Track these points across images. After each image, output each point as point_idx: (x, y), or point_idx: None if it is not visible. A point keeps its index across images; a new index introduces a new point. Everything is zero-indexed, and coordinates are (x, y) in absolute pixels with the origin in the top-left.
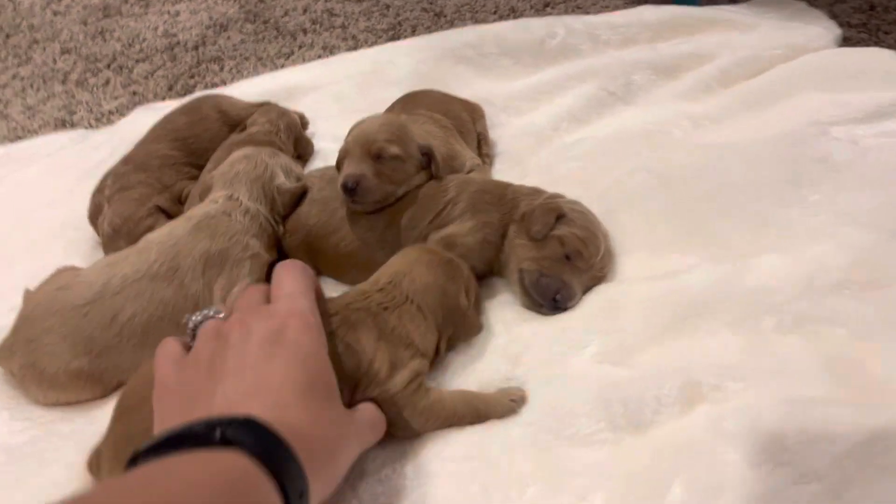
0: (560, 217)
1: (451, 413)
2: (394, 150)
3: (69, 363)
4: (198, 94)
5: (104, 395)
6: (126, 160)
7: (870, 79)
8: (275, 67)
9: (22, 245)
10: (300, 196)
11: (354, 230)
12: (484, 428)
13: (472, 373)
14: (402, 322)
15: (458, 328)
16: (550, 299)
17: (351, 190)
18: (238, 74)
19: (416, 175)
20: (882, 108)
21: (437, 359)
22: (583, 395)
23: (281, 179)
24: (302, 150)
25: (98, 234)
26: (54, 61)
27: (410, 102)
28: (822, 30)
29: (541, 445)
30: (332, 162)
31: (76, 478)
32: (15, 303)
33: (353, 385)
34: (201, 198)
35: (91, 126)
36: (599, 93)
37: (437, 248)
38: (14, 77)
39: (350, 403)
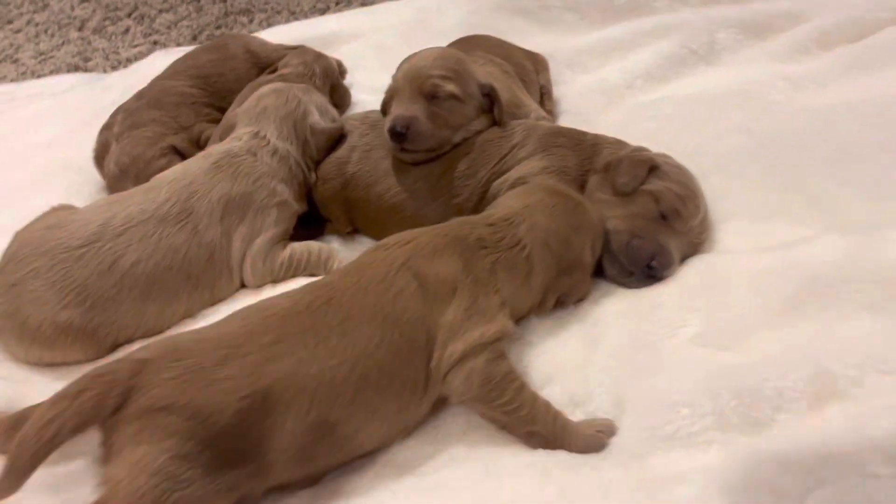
0: (653, 169)
1: (525, 412)
2: (450, 87)
3: (57, 314)
4: None
5: (98, 356)
6: (139, 96)
7: None
8: (307, 24)
9: (17, 186)
10: (337, 139)
11: (402, 180)
12: None
13: (541, 355)
14: (496, 270)
15: (571, 288)
16: (644, 266)
17: (400, 135)
18: (268, 29)
19: (476, 119)
20: None
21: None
22: (682, 384)
23: (315, 118)
24: (338, 99)
25: (102, 177)
26: (72, 8)
27: (465, 44)
28: None
29: (631, 448)
30: None
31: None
32: (6, 242)
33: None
34: (223, 137)
35: (106, 72)
36: (680, 50)
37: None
38: (28, 23)
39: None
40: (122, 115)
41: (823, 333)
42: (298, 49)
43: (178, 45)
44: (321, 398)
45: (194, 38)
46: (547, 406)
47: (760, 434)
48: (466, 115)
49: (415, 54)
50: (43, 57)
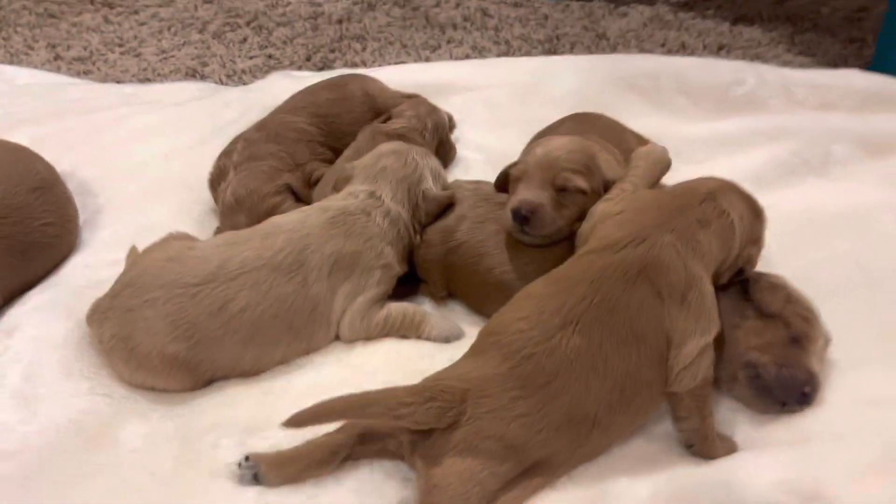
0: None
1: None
2: (580, 182)
3: (165, 346)
4: (338, 70)
5: (193, 387)
6: (259, 126)
7: None
8: (419, 58)
9: (131, 196)
10: (446, 207)
11: (513, 258)
12: None
13: None
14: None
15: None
16: (799, 394)
17: (523, 218)
18: (380, 58)
19: None
20: None
21: None
22: None
23: (429, 184)
24: (444, 154)
25: (215, 200)
26: (195, 8)
27: (581, 124)
28: None
29: None
30: (473, 173)
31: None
32: (117, 256)
33: None
34: (337, 187)
35: (222, 82)
36: (791, 158)
37: None
38: (153, 17)
39: None
40: (242, 144)
41: None
42: (414, 100)
43: (292, 62)
44: (600, 419)
45: (308, 59)
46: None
47: None
48: (588, 207)
49: (548, 141)
50: (164, 55)
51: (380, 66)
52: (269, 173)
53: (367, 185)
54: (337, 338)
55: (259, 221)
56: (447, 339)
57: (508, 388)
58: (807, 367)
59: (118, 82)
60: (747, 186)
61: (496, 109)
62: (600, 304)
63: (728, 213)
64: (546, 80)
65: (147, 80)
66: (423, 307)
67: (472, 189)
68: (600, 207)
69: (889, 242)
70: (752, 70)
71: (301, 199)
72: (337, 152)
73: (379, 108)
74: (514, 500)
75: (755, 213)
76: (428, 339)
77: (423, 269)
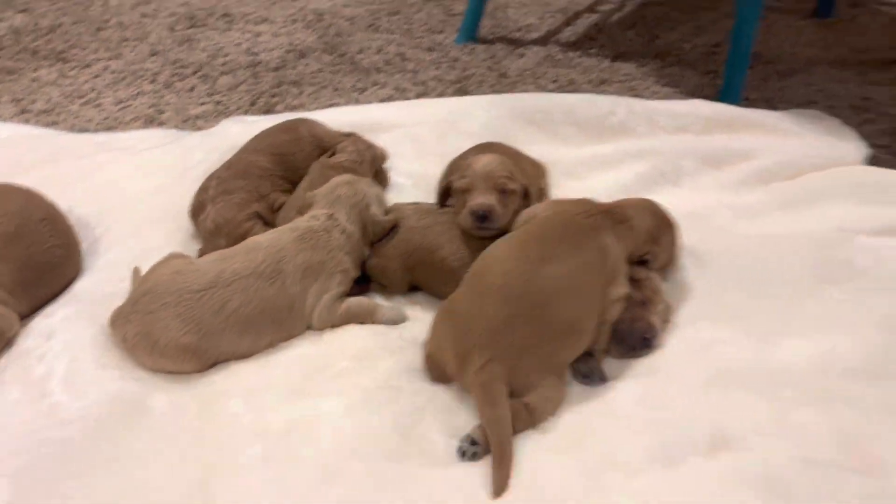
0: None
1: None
2: (513, 185)
3: (179, 338)
4: (282, 114)
5: (201, 368)
6: (228, 166)
7: (893, 196)
8: (350, 100)
9: (128, 227)
10: (389, 230)
11: (462, 249)
12: None
13: None
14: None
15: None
16: (642, 339)
17: (483, 217)
18: (316, 100)
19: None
20: None
21: None
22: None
23: (374, 208)
24: (381, 181)
25: (196, 228)
26: (143, 60)
27: (485, 150)
28: (854, 147)
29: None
30: (405, 194)
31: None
32: (123, 274)
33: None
34: (301, 212)
35: (178, 127)
36: (652, 172)
37: None
38: (105, 69)
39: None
40: (215, 182)
41: (726, 404)
42: (352, 137)
43: (239, 107)
44: (584, 328)
45: (252, 104)
46: None
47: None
48: (517, 203)
49: (478, 158)
50: (122, 105)
51: (316, 108)
52: (240, 204)
53: (326, 210)
54: (309, 327)
55: (235, 243)
56: (394, 322)
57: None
58: (648, 320)
59: (84, 131)
60: (618, 195)
61: (420, 143)
62: (568, 242)
63: (631, 222)
64: (460, 118)
65: (111, 128)
66: (374, 299)
67: (414, 207)
68: (528, 210)
69: (718, 235)
70: (623, 103)
71: (268, 222)
72: (293, 183)
73: (325, 146)
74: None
75: (662, 224)
76: (380, 323)
77: (383, 275)
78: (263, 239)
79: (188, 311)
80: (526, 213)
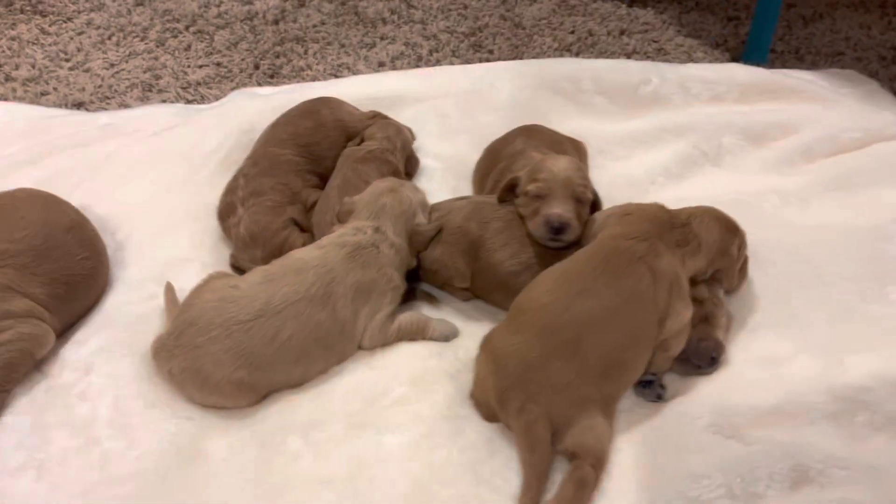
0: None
1: None
2: (588, 194)
3: (232, 374)
4: (287, 77)
5: (255, 402)
6: (254, 162)
7: None
8: (358, 57)
9: (148, 232)
10: (432, 238)
11: (518, 255)
12: None
13: None
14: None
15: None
16: (709, 359)
17: (559, 229)
18: (322, 60)
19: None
20: None
21: None
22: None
23: (420, 217)
24: (411, 167)
25: (224, 232)
26: (129, 12)
27: (532, 138)
28: (893, 117)
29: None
30: (436, 178)
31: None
32: (152, 291)
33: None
34: (341, 219)
35: (179, 95)
36: (693, 151)
37: None
38: (88, 24)
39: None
40: (243, 181)
41: (800, 433)
42: (381, 121)
43: (242, 70)
44: (627, 361)
45: (256, 67)
46: None
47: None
48: (587, 213)
49: (556, 161)
50: (114, 69)
51: (324, 69)
52: (274, 208)
53: (372, 221)
54: (359, 347)
55: (272, 253)
56: (447, 339)
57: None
58: (714, 338)
59: (79, 104)
60: (662, 181)
61: (445, 119)
62: (610, 272)
63: (697, 240)
64: (484, 89)
65: (106, 98)
66: (422, 312)
67: (466, 201)
68: (604, 212)
69: (766, 224)
70: (655, 70)
71: (304, 228)
72: (319, 176)
73: (350, 131)
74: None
75: (729, 232)
76: (431, 339)
77: (446, 267)
78: (309, 256)
79: (239, 345)
80: (600, 220)
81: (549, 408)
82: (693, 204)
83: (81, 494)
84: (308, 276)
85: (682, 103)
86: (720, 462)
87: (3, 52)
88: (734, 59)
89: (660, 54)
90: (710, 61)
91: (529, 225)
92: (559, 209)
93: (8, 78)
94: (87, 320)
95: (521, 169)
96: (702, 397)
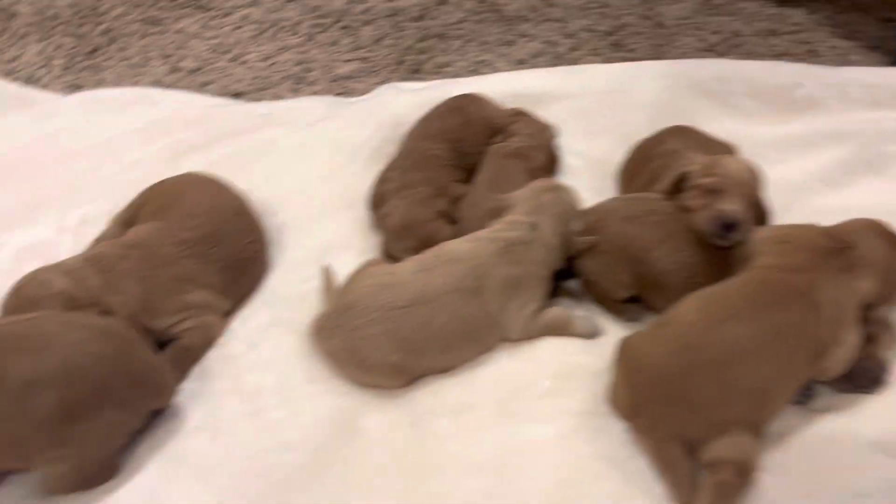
0: None
1: None
2: (761, 197)
3: (388, 356)
4: (431, 73)
5: (406, 384)
6: (406, 155)
7: None
8: (498, 55)
9: (304, 218)
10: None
11: (690, 252)
12: None
13: None
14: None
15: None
16: (874, 380)
17: (729, 226)
18: (463, 57)
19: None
20: None
21: None
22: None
23: (576, 224)
24: (552, 165)
25: (376, 220)
26: (281, 8)
27: (686, 138)
28: None
29: None
30: (577, 176)
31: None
32: (309, 274)
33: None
34: (494, 215)
35: (327, 88)
36: (852, 158)
37: None
38: (244, 19)
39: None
40: (396, 173)
41: None
42: (524, 119)
43: (386, 65)
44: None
45: (400, 63)
46: None
47: None
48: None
49: (735, 160)
50: (268, 61)
51: (465, 66)
52: (424, 201)
53: (529, 218)
54: (503, 339)
55: (423, 243)
56: (589, 336)
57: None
58: (878, 358)
59: (237, 94)
60: (818, 187)
61: (587, 118)
62: (763, 304)
63: (866, 261)
64: (628, 87)
65: (261, 89)
66: (569, 310)
67: (619, 201)
68: (758, 235)
69: None
70: (810, 73)
71: (452, 220)
72: (465, 170)
73: (494, 128)
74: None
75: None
76: (574, 335)
77: (603, 274)
78: (461, 249)
79: (394, 329)
80: (753, 243)
81: (682, 428)
82: (853, 214)
83: (252, 458)
84: (460, 268)
85: (839, 108)
86: (885, 483)
87: (171, 44)
88: (893, 63)
89: (811, 56)
90: (867, 65)
91: (697, 219)
92: (734, 206)
93: (175, 69)
94: (251, 298)
95: (678, 169)
96: (866, 415)
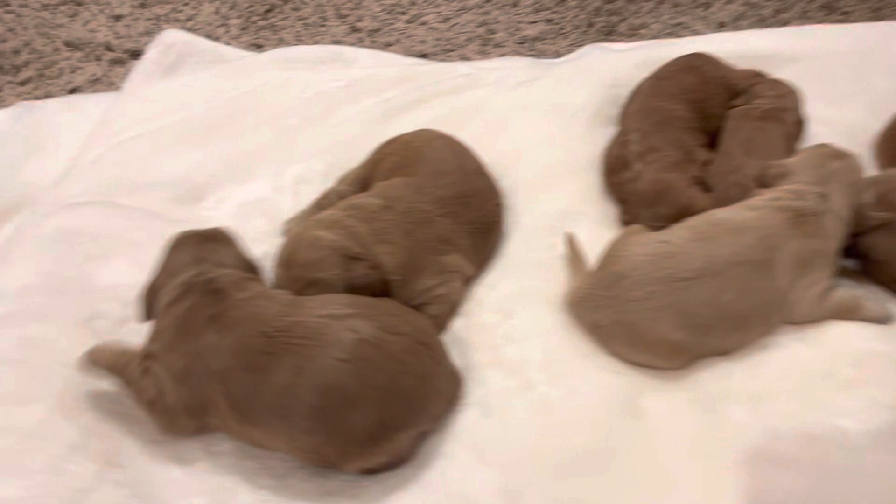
0: None
1: None
2: None
3: (670, 333)
4: (625, 35)
5: (684, 366)
6: (645, 115)
7: None
8: (695, 17)
9: (532, 182)
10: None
11: None
12: None
13: None
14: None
15: None
16: None
17: None
18: (657, 19)
19: None
20: None
21: None
22: None
23: (868, 196)
24: (798, 131)
25: (612, 188)
26: None
27: None
28: None
29: None
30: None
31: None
32: (549, 241)
33: None
34: (762, 183)
35: (516, 51)
36: None
37: None
38: None
39: None
40: (637, 136)
41: None
42: (770, 81)
43: (575, 27)
44: None
45: (590, 25)
46: None
47: None
48: None
49: None
50: (448, 23)
51: (660, 28)
52: (677, 164)
53: (816, 187)
54: (787, 321)
55: (679, 211)
56: (881, 322)
57: None
58: None
59: (424, 55)
60: None
61: (830, 82)
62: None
63: None
64: (874, 50)
65: (447, 51)
66: (857, 292)
67: None
68: None
69: None
70: None
71: (707, 188)
72: (707, 133)
73: (734, 89)
74: None
75: None
76: (864, 320)
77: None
78: (743, 218)
79: (679, 303)
80: None
81: None
82: None
83: (529, 437)
84: (747, 239)
85: None
86: None
87: (345, 4)
88: None
89: None
90: None
91: None
92: None
93: (354, 28)
94: (493, 264)
95: None
96: None
